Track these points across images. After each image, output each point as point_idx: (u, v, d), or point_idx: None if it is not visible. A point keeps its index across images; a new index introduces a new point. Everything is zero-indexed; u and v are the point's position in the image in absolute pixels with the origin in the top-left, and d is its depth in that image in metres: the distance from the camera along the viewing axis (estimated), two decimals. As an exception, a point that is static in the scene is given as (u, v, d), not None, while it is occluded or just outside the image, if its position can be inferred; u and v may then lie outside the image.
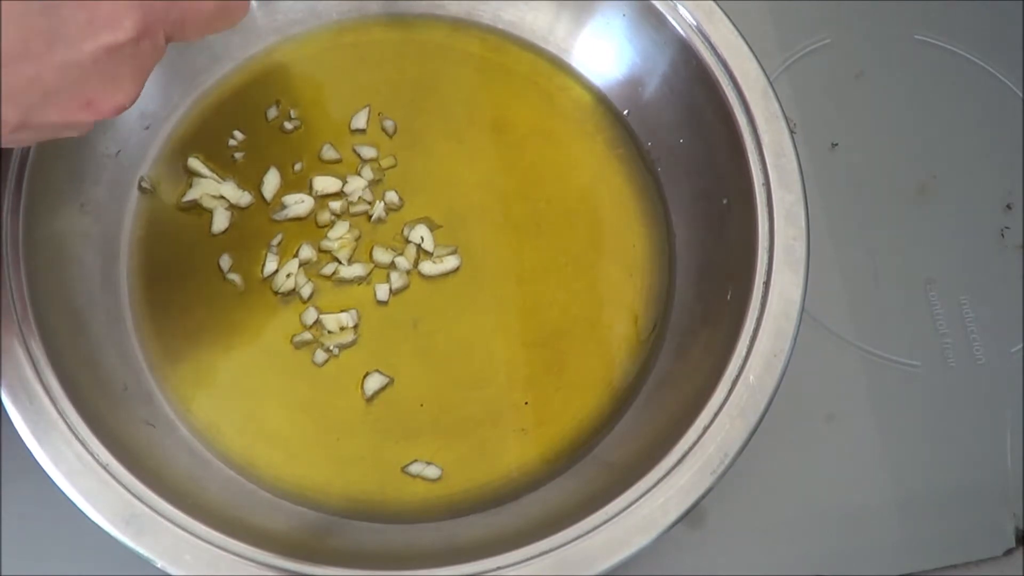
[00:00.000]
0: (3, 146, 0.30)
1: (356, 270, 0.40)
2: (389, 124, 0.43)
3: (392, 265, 0.40)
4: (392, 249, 0.40)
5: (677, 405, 0.36)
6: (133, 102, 0.30)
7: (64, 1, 0.26)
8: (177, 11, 0.29)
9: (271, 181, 0.41)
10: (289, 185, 0.41)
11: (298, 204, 0.40)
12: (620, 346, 0.40)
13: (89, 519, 0.31)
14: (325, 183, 0.41)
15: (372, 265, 0.40)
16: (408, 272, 0.40)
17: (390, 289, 0.40)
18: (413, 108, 0.43)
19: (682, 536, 0.39)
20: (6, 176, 0.35)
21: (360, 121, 0.43)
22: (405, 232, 0.41)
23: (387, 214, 0.41)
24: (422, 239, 0.40)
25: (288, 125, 0.42)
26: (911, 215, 0.46)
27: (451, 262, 0.40)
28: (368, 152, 0.42)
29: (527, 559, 0.31)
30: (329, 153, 0.42)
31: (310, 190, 0.41)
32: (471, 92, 0.44)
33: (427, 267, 0.40)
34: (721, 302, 0.38)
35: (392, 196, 0.41)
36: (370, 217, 0.41)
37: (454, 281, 0.40)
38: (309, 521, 0.36)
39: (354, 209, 0.41)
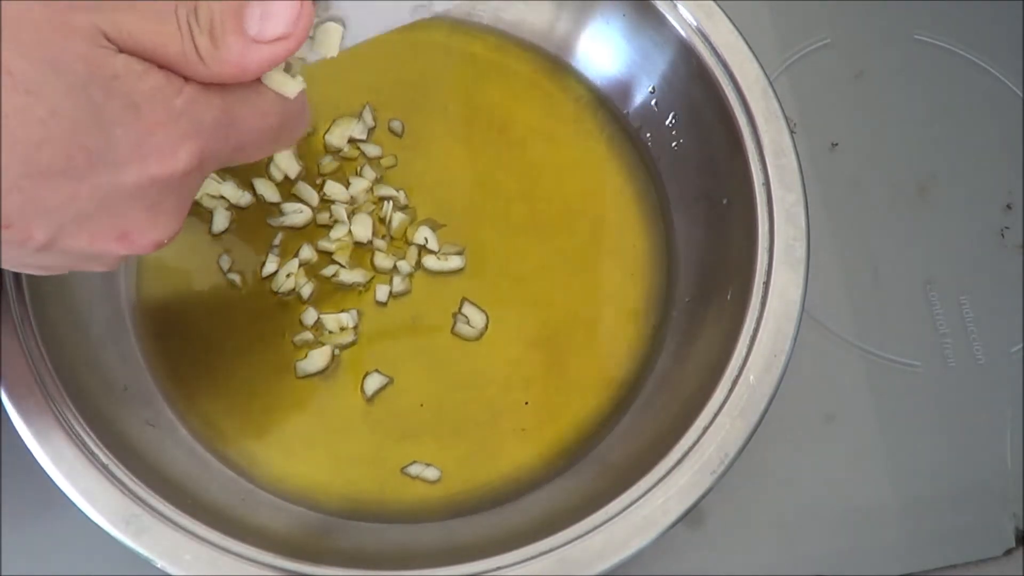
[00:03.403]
0: (19, 269, 0.28)
1: (356, 276, 0.40)
2: (397, 124, 0.43)
3: (394, 269, 0.40)
4: (393, 254, 0.40)
5: (677, 405, 0.36)
6: (171, 239, 0.27)
7: (117, 123, 0.23)
8: (235, 139, 0.26)
9: (284, 162, 0.41)
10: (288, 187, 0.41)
11: (296, 214, 0.40)
12: (620, 346, 0.40)
13: (89, 519, 0.31)
14: (334, 189, 0.41)
15: (373, 273, 0.40)
16: (410, 275, 0.40)
17: (390, 291, 0.40)
18: (413, 108, 0.43)
19: (682, 536, 0.39)
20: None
21: (367, 120, 0.43)
22: (408, 235, 0.41)
23: (393, 214, 0.41)
24: (426, 240, 0.40)
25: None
26: (911, 215, 0.46)
27: (455, 262, 0.40)
28: (372, 150, 0.42)
29: (527, 559, 0.31)
30: (329, 155, 0.42)
31: (320, 191, 0.41)
32: (471, 92, 0.44)
33: (431, 261, 0.40)
34: (721, 302, 0.38)
35: (400, 196, 0.41)
36: (382, 219, 0.41)
37: (454, 281, 0.40)
38: (309, 521, 0.36)
39: (360, 211, 0.41)
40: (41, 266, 0.27)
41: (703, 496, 0.32)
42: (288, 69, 0.27)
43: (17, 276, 0.34)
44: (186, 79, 0.24)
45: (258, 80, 0.26)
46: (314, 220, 0.41)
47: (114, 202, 0.25)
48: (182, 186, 0.26)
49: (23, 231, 0.24)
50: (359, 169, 0.42)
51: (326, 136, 0.42)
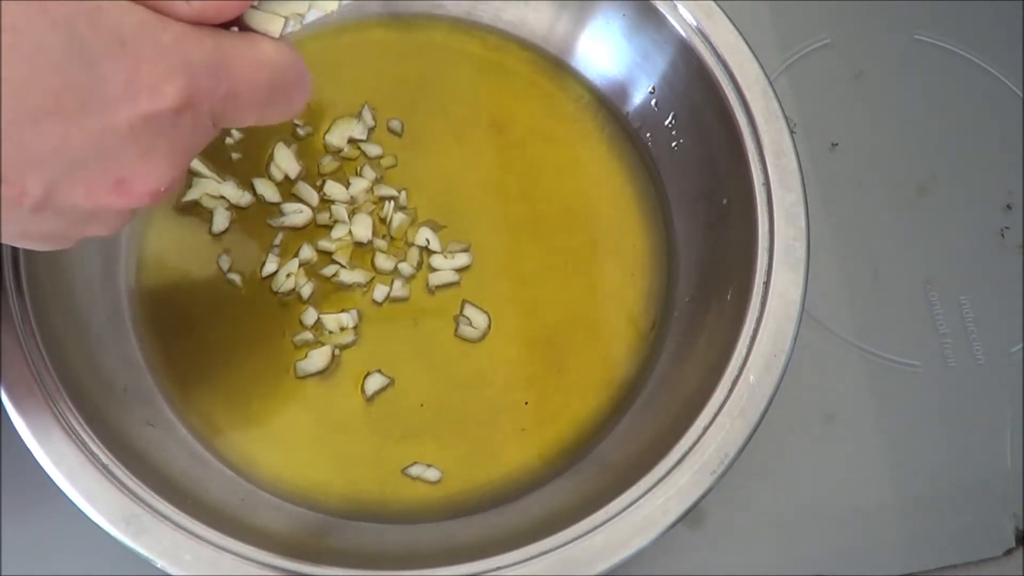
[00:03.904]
0: (20, 241, 0.27)
1: (356, 276, 0.40)
2: (396, 124, 0.43)
3: (396, 271, 0.40)
4: (394, 255, 0.40)
5: (677, 405, 0.36)
6: (169, 189, 0.26)
7: (104, 57, 0.23)
8: (227, 84, 0.26)
9: (285, 162, 0.41)
10: (287, 188, 0.41)
11: (296, 214, 0.40)
12: (620, 346, 0.40)
13: (89, 519, 0.31)
14: (334, 189, 0.41)
15: (373, 273, 0.40)
16: (411, 278, 0.40)
17: (388, 292, 0.40)
18: (413, 108, 0.43)
19: (682, 536, 0.39)
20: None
21: (367, 120, 0.43)
22: (409, 236, 0.41)
23: (393, 214, 0.41)
24: (428, 241, 0.40)
25: (300, 132, 0.42)
26: (911, 215, 0.46)
27: (462, 259, 0.40)
28: (373, 150, 0.42)
29: (527, 559, 0.31)
30: (329, 155, 0.42)
31: (320, 191, 0.41)
32: (471, 92, 0.44)
33: (438, 260, 0.40)
34: (721, 302, 0.38)
35: (401, 196, 0.41)
36: (383, 219, 0.41)
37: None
38: (309, 521, 0.36)
39: (361, 211, 0.41)
40: (41, 233, 0.26)
41: (703, 496, 0.32)
42: (285, 27, 0.27)
43: (17, 276, 0.34)
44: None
45: (248, 29, 0.27)
46: (314, 220, 0.41)
47: (107, 146, 0.24)
48: (175, 127, 0.25)
49: (17, 185, 0.24)
50: (359, 169, 0.42)
51: (326, 136, 0.42)
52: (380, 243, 0.40)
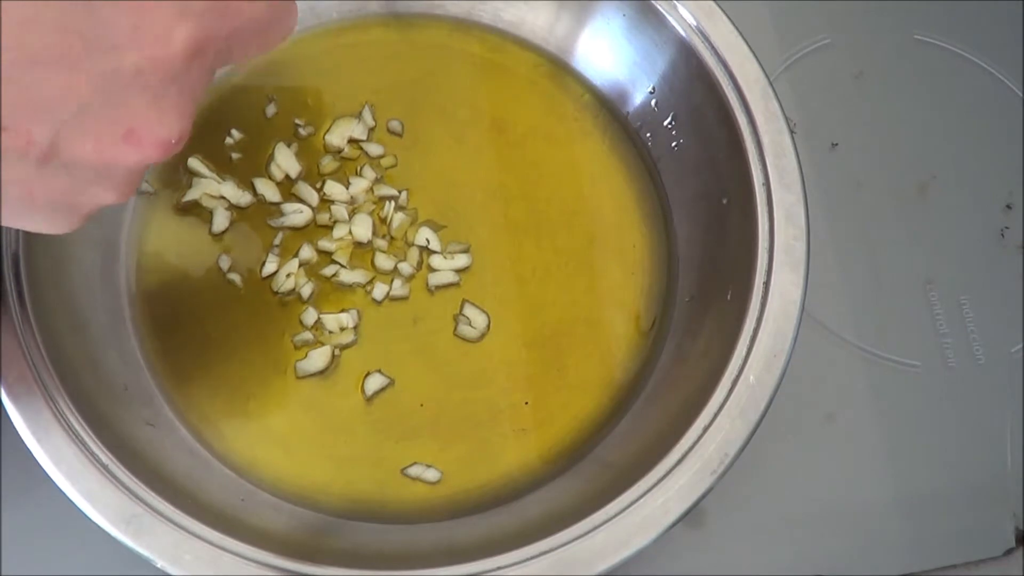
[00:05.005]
0: (27, 215, 0.26)
1: (356, 276, 0.40)
2: (396, 124, 0.43)
3: (395, 271, 0.40)
4: (394, 255, 0.40)
5: (677, 405, 0.36)
6: (179, 141, 0.26)
7: (109, 2, 0.23)
8: (230, 24, 0.25)
9: (285, 162, 0.41)
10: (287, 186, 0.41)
11: (296, 214, 0.40)
12: (620, 346, 0.40)
13: (89, 519, 0.31)
14: (334, 189, 0.41)
15: (373, 273, 0.40)
16: (411, 278, 0.40)
17: (388, 291, 0.40)
18: (413, 108, 0.43)
19: (682, 536, 0.39)
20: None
21: (367, 120, 0.43)
22: (409, 236, 0.41)
23: (393, 214, 0.41)
24: (427, 241, 0.40)
25: (301, 132, 0.42)
26: (911, 215, 0.46)
27: (462, 260, 0.40)
28: (375, 149, 0.42)
29: (527, 559, 0.31)
30: (329, 155, 0.42)
31: (320, 191, 0.41)
32: (471, 92, 0.44)
33: (437, 260, 0.40)
34: (721, 302, 0.38)
35: (402, 196, 0.41)
36: (383, 219, 0.41)
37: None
38: (309, 521, 0.36)
39: (361, 211, 0.41)
40: (48, 198, 0.26)
41: (703, 496, 0.32)
42: None
43: (17, 276, 0.34)
44: None
45: None
46: (314, 220, 0.41)
47: (114, 92, 0.24)
48: (184, 75, 0.25)
49: (23, 134, 0.23)
50: (359, 169, 0.42)
51: (326, 136, 0.42)
52: (380, 243, 0.40)
